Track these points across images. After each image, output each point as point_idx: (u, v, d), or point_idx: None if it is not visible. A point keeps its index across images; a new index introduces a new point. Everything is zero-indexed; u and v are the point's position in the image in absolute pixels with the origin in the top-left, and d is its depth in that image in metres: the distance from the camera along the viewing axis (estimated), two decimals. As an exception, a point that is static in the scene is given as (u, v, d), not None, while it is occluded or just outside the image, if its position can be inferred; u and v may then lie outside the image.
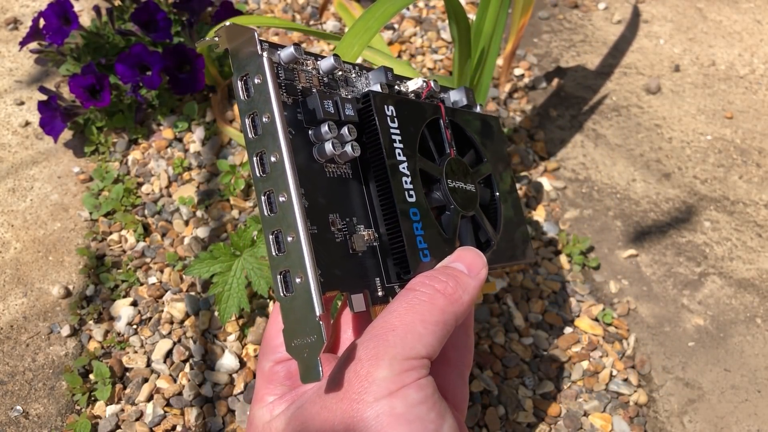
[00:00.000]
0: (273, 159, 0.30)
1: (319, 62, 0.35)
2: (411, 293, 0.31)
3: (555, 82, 0.89)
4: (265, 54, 0.30)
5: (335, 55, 0.34)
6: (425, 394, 0.28)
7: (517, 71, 0.90)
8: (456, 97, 0.42)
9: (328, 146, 0.32)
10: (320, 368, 0.28)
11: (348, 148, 0.33)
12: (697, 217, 0.75)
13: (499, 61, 0.86)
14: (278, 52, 0.33)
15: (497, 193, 0.41)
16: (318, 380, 0.28)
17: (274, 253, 0.29)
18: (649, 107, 0.86)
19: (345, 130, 0.33)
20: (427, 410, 0.28)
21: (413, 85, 0.38)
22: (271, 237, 0.30)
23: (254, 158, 0.30)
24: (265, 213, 0.30)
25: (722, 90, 0.89)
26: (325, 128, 0.32)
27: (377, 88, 0.37)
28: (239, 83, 0.31)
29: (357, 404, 0.28)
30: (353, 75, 0.37)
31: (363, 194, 0.35)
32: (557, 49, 0.94)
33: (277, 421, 0.32)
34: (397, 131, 0.35)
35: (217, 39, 0.31)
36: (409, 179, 0.35)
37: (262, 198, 0.30)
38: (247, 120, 0.31)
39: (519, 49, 0.93)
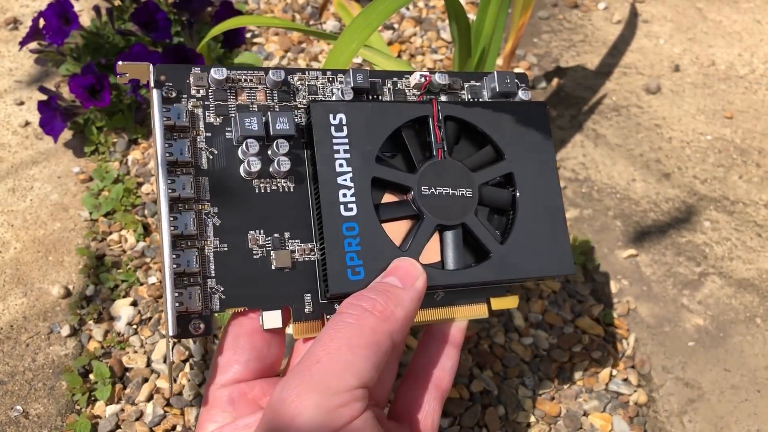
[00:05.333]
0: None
1: (267, 75, 0.35)
2: (337, 317, 0.29)
3: (555, 82, 0.89)
4: (155, 90, 0.33)
5: (285, 69, 0.35)
6: None
7: (517, 71, 0.90)
8: (490, 85, 0.39)
9: (244, 165, 0.33)
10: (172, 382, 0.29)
11: (275, 163, 0.34)
12: (697, 217, 0.75)
13: (499, 61, 0.86)
14: (209, 74, 0.35)
15: (518, 194, 0.37)
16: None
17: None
18: (649, 107, 0.86)
19: (275, 145, 0.34)
20: None
21: (413, 79, 0.38)
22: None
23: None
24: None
25: (722, 90, 0.89)
26: (242, 147, 0.34)
27: (350, 95, 0.35)
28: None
29: None
30: (320, 82, 0.36)
31: (309, 208, 0.35)
32: (557, 49, 0.94)
33: None
34: (344, 140, 0.34)
35: (125, 75, 0.33)
36: (350, 191, 0.33)
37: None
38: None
39: (519, 48, 0.93)
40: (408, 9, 0.96)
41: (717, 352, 0.64)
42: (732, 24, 0.99)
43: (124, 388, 0.58)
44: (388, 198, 0.36)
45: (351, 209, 0.33)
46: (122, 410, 0.57)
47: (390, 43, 0.91)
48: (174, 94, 0.34)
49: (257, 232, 0.34)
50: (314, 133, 0.34)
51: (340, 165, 0.33)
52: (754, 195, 0.77)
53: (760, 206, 0.76)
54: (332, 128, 0.34)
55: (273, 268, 0.33)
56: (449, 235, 0.35)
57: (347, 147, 0.34)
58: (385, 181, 0.35)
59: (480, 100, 0.39)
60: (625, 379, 0.62)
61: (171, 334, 0.31)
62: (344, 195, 0.33)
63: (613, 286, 0.68)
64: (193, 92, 0.35)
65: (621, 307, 0.67)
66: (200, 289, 0.33)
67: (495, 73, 0.39)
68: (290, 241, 0.34)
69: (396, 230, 0.35)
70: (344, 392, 0.26)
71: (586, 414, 0.59)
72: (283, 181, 0.34)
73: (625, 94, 0.88)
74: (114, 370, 0.58)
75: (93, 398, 0.57)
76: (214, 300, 0.33)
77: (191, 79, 0.35)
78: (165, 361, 0.29)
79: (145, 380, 0.58)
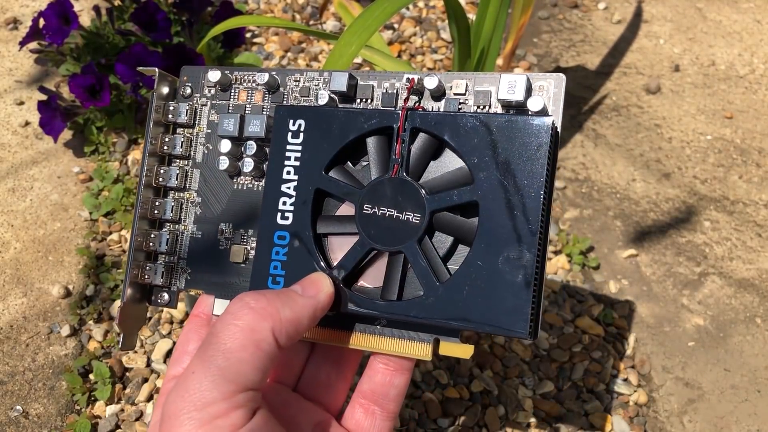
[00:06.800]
0: None
1: (257, 76, 0.37)
2: (220, 318, 0.27)
3: (555, 82, 0.89)
4: (155, 92, 0.36)
5: (278, 71, 0.36)
6: None
7: (517, 71, 0.90)
8: (504, 91, 0.31)
9: (216, 162, 0.36)
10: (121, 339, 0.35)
11: (241, 163, 0.35)
12: (696, 217, 0.75)
13: (499, 61, 0.86)
14: (207, 74, 0.37)
15: (477, 228, 0.30)
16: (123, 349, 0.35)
17: None
18: (649, 107, 0.86)
19: (244, 146, 0.35)
20: None
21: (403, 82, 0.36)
22: None
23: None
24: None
25: (722, 90, 0.89)
26: (218, 145, 0.36)
27: (324, 99, 0.34)
28: None
29: None
30: (314, 84, 0.36)
31: None
32: (557, 49, 0.94)
33: None
34: (298, 147, 0.33)
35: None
36: (290, 200, 0.33)
37: None
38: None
39: (519, 48, 0.93)
40: (408, 9, 0.96)
41: (717, 352, 0.64)
42: (732, 24, 0.99)
43: (124, 388, 0.58)
44: (345, 210, 0.33)
45: (287, 218, 0.33)
46: (122, 410, 0.57)
47: (390, 43, 0.91)
48: (189, 92, 0.37)
49: (227, 225, 0.36)
50: (272, 138, 0.34)
51: (288, 172, 0.33)
52: (754, 195, 0.77)
53: (760, 206, 0.76)
54: (289, 134, 0.33)
55: (231, 261, 0.36)
56: (390, 262, 0.32)
57: (299, 154, 0.33)
58: (324, 192, 0.33)
59: (486, 109, 0.32)
60: (625, 379, 0.62)
61: (123, 300, 0.35)
62: (284, 203, 0.33)
63: (613, 286, 0.68)
64: (204, 91, 0.37)
65: (621, 307, 0.67)
66: (168, 266, 0.36)
67: (500, 75, 0.31)
68: (252, 238, 0.35)
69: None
70: (221, 401, 0.24)
71: (586, 414, 0.59)
72: (256, 180, 0.36)
73: (625, 94, 0.88)
74: (114, 370, 0.58)
75: (93, 398, 0.57)
76: (182, 278, 0.36)
77: (205, 79, 0.37)
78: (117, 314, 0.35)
79: (145, 380, 0.58)
